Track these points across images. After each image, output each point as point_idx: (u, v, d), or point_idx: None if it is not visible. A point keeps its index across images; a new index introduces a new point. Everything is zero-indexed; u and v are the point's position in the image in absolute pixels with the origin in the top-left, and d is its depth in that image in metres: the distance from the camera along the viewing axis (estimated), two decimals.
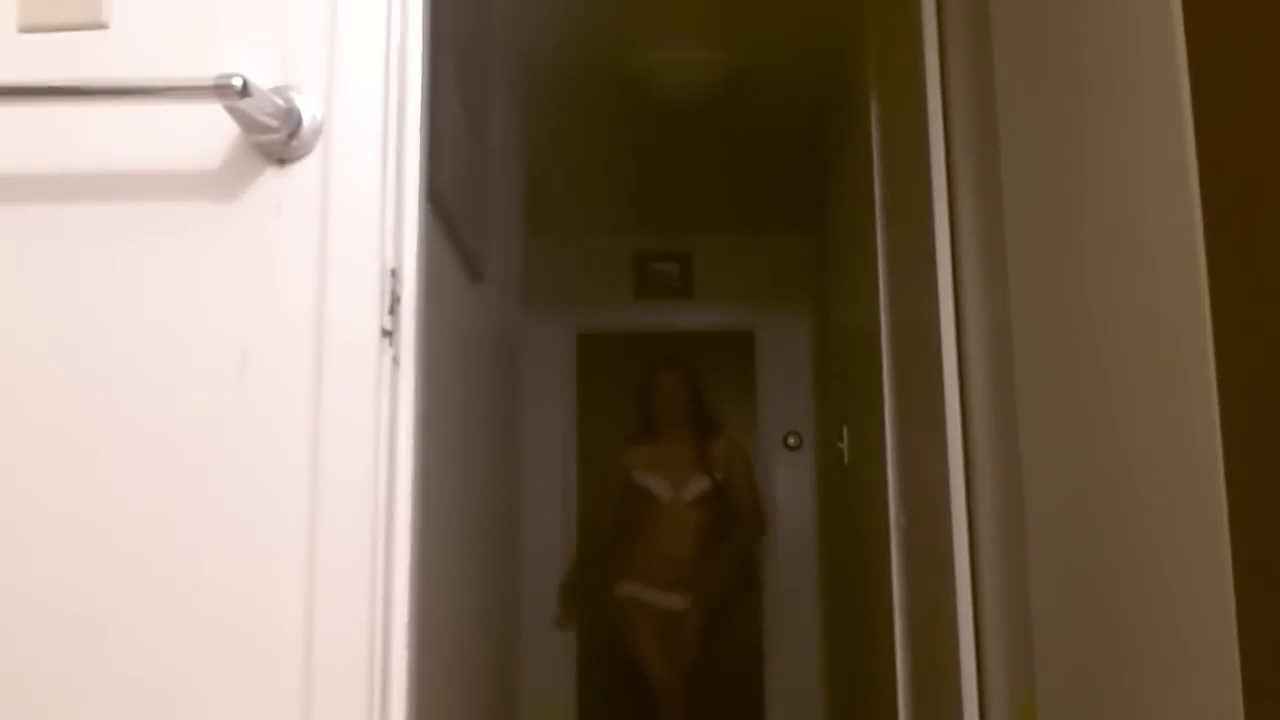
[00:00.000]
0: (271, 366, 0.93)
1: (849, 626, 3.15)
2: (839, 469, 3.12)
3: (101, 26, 0.98)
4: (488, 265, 2.06)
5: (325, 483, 0.91)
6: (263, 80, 0.93)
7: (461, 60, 1.71)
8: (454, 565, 1.70)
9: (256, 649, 0.90)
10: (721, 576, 3.80)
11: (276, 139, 0.94)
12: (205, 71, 0.89)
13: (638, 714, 3.67)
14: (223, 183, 0.96)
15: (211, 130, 0.96)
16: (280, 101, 0.93)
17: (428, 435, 0.99)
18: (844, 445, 3.03)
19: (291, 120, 0.94)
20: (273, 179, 0.96)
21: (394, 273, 0.95)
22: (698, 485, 3.75)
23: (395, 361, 0.94)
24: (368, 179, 0.95)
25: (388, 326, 0.93)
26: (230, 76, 0.86)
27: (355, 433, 0.92)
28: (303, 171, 0.96)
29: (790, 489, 4.58)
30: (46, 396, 0.94)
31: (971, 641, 1.73)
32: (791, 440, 4.60)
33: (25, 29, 0.98)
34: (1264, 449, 0.91)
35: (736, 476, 3.82)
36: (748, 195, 4.15)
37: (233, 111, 0.92)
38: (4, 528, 0.92)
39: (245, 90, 0.87)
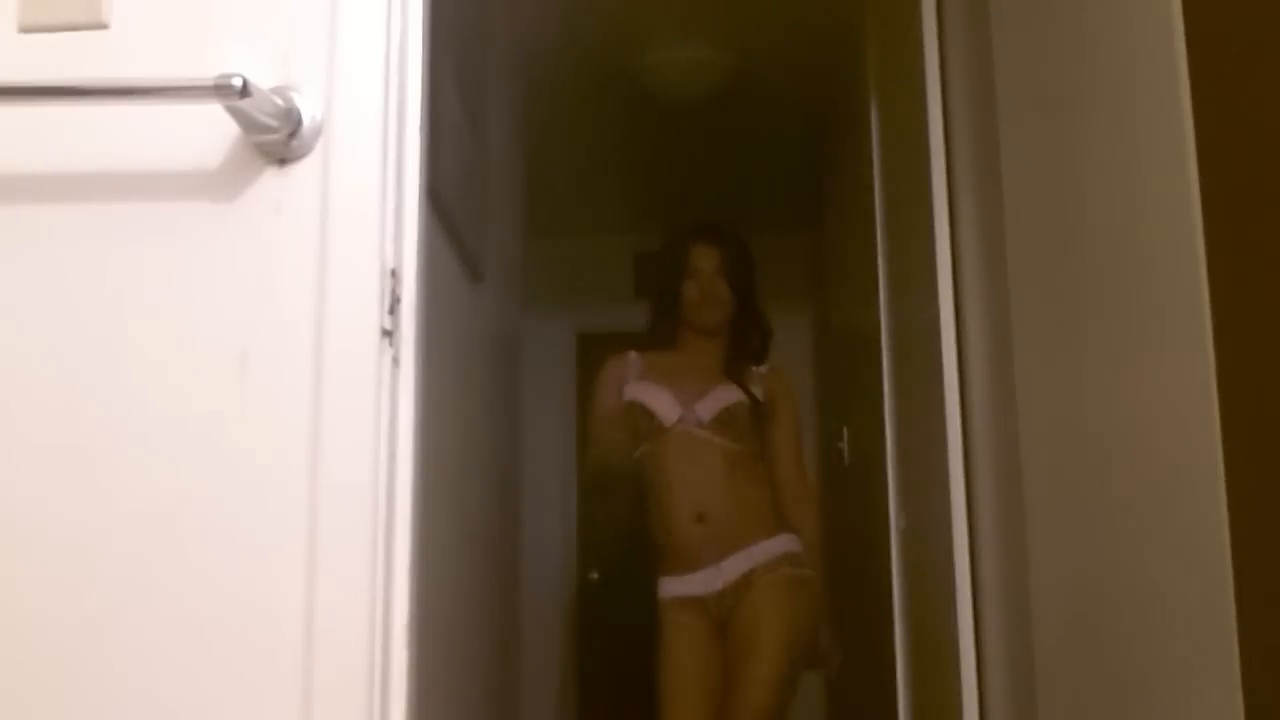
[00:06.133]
0: (271, 366, 0.93)
1: (849, 626, 3.15)
2: (839, 469, 3.11)
3: (101, 26, 0.98)
4: (488, 265, 2.06)
5: (325, 483, 0.91)
6: (263, 80, 0.93)
7: (461, 60, 1.71)
8: (454, 565, 1.70)
9: (256, 649, 0.90)
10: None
11: (276, 139, 0.94)
12: (205, 71, 0.88)
13: (639, 714, 3.66)
14: (223, 183, 0.96)
15: (211, 130, 0.96)
16: (280, 101, 0.93)
17: (428, 435, 0.99)
18: (844, 445, 3.03)
19: (291, 120, 0.94)
20: (273, 179, 0.96)
21: (394, 273, 0.95)
22: (721, 398, 2.45)
23: (395, 361, 0.94)
24: (368, 179, 0.95)
25: (388, 326, 0.93)
26: (230, 76, 0.86)
27: (355, 433, 0.92)
28: (303, 171, 0.96)
29: None
30: (46, 397, 0.94)
31: (971, 641, 1.72)
32: None
33: (25, 29, 0.98)
34: (1264, 450, 0.91)
35: (781, 416, 2.52)
36: (748, 195, 4.15)
37: (233, 111, 0.91)
38: (3, 528, 0.92)
39: (245, 90, 0.87)
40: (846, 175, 2.85)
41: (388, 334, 0.93)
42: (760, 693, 2.30)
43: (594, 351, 4.67)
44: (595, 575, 4.29)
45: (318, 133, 0.96)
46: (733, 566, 2.38)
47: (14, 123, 0.97)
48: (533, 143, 2.94)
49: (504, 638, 2.39)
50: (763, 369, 2.55)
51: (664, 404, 2.45)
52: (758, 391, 2.49)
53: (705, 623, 2.40)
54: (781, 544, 2.40)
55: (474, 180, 1.88)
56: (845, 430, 3.01)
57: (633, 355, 2.56)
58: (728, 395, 2.46)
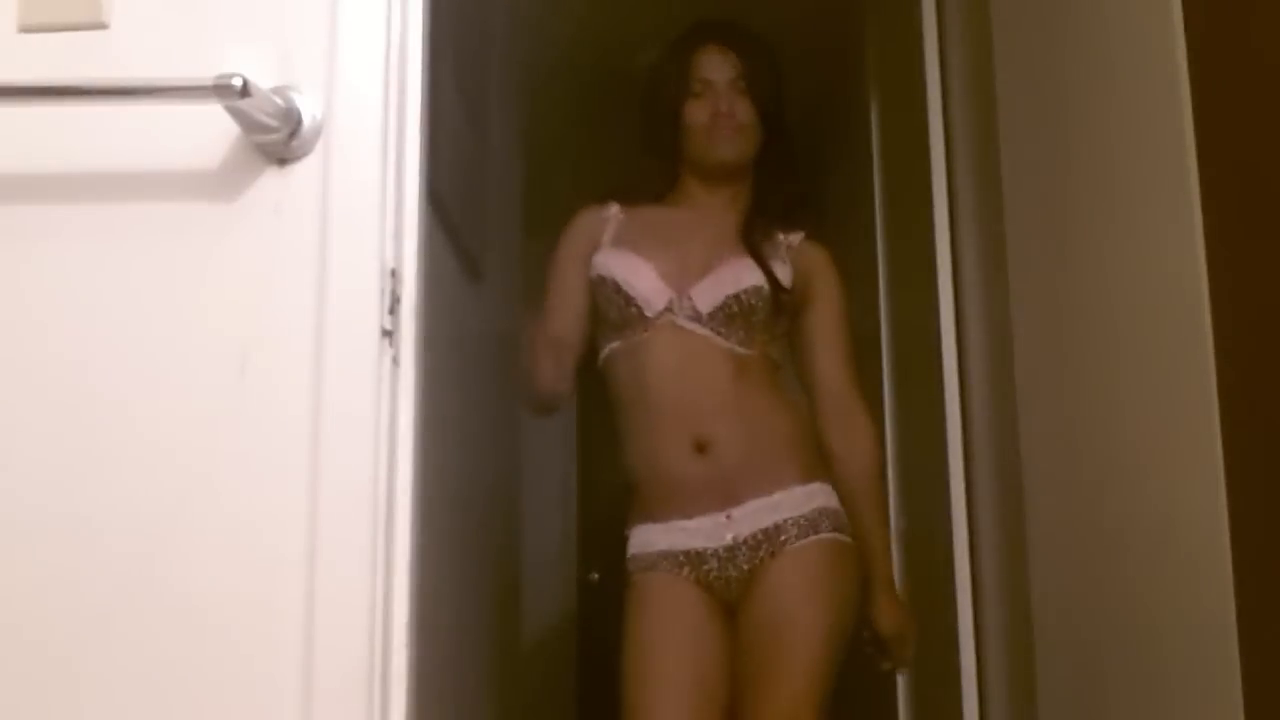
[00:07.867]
0: (272, 366, 0.93)
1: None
2: None
3: (101, 26, 0.98)
4: (488, 265, 2.06)
5: (325, 483, 0.91)
6: (263, 80, 0.93)
7: (461, 60, 1.71)
8: (454, 565, 1.70)
9: (256, 648, 0.90)
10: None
11: (276, 139, 0.94)
12: (205, 71, 0.88)
13: None
14: (223, 183, 0.96)
15: (211, 130, 0.96)
16: (280, 101, 0.93)
17: (428, 435, 0.99)
18: None
19: (291, 120, 0.94)
20: (273, 179, 0.96)
21: (394, 273, 0.95)
22: (728, 279, 1.72)
23: (395, 361, 0.94)
24: (368, 179, 0.95)
25: (388, 326, 0.93)
26: (230, 76, 0.86)
27: (355, 433, 0.92)
28: (303, 171, 0.96)
29: None
30: (46, 396, 0.94)
31: (971, 641, 1.73)
32: None
33: (25, 29, 0.98)
34: (1264, 449, 0.91)
35: (820, 303, 1.79)
36: None
37: (233, 111, 0.91)
38: (4, 527, 0.92)
39: (245, 90, 0.87)
40: (846, 175, 2.85)
41: (388, 334, 0.93)
42: (798, 708, 1.57)
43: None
44: (595, 575, 4.29)
45: (318, 133, 0.96)
46: (748, 518, 1.66)
47: (14, 123, 0.97)
48: (533, 143, 2.94)
49: (504, 638, 2.39)
50: (792, 238, 1.81)
51: (646, 284, 1.71)
52: (783, 272, 1.73)
53: (701, 593, 1.67)
54: (816, 495, 1.68)
55: (474, 180, 1.88)
56: None
57: (614, 209, 1.84)
58: (739, 276, 1.70)
